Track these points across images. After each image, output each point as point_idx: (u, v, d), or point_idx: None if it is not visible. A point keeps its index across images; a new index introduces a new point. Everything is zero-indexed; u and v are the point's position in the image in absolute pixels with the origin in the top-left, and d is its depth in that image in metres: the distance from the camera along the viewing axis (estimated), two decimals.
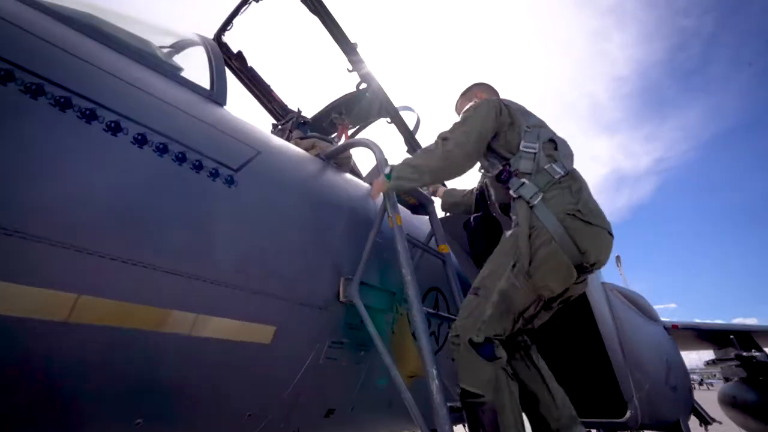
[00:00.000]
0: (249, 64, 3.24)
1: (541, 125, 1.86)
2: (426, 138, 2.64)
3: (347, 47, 2.82)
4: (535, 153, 1.72)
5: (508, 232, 1.73)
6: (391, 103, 3.11)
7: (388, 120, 3.23)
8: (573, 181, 1.69)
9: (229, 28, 3.19)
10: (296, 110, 3.23)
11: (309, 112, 3.58)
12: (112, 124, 1.11)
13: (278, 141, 1.86)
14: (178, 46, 1.99)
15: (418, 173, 1.75)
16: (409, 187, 1.81)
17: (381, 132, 3.73)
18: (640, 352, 3.29)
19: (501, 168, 1.78)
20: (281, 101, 3.38)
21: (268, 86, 3.33)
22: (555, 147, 1.80)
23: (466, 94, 2.42)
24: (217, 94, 1.69)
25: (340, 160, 2.22)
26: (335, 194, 1.94)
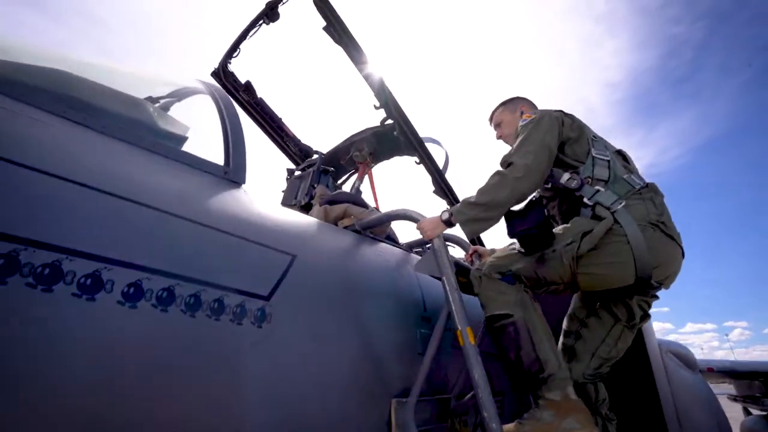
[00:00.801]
0: (259, 96, 2.83)
1: (602, 138, 1.80)
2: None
3: (373, 81, 2.46)
4: (609, 161, 1.66)
5: (577, 219, 1.63)
6: (422, 143, 2.73)
7: (417, 160, 2.85)
8: (655, 193, 1.63)
9: (235, 54, 2.78)
10: (317, 154, 2.84)
11: (325, 148, 3.20)
12: (86, 281, 0.71)
13: (312, 227, 1.45)
14: (177, 96, 1.57)
15: (489, 211, 1.51)
16: (479, 230, 1.55)
17: (402, 166, 3.36)
18: (693, 416, 2.98)
19: (569, 176, 1.65)
20: (296, 139, 2.98)
21: (281, 121, 2.92)
22: (625, 159, 1.78)
23: (509, 106, 2.12)
24: (233, 171, 1.29)
25: (378, 230, 1.84)
26: (383, 288, 1.56)
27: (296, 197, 2.29)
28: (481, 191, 1.54)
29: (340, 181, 3.20)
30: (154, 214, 0.89)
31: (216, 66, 2.67)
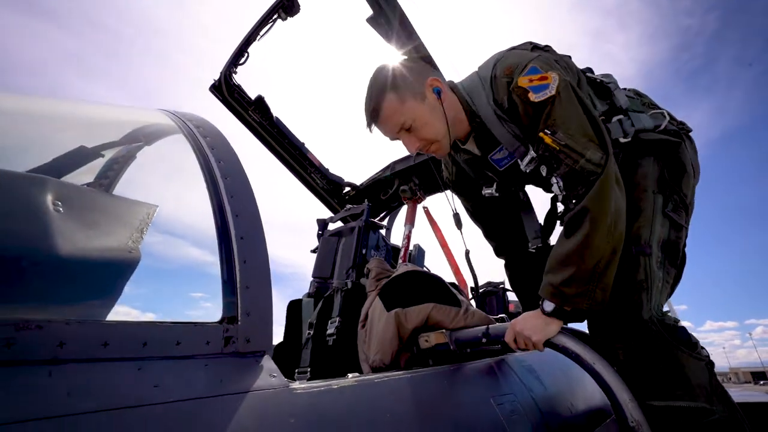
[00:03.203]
0: (274, 115, 2.10)
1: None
2: None
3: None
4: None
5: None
6: None
7: None
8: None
9: (243, 60, 2.08)
10: (348, 187, 2.12)
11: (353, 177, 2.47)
12: None
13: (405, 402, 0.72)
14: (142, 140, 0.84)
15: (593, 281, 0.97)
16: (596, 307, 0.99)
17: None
18: None
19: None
20: (324, 168, 2.24)
21: (303, 146, 2.18)
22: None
23: (399, 93, 1.15)
24: (245, 327, 0.56)
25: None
26: None
27: (334, 270, 1.55)
28: (566, 253, 1.00)
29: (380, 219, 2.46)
30: None
31: (216, 77, 1.96)
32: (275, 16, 2.05)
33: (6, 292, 0.51)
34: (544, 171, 1.12)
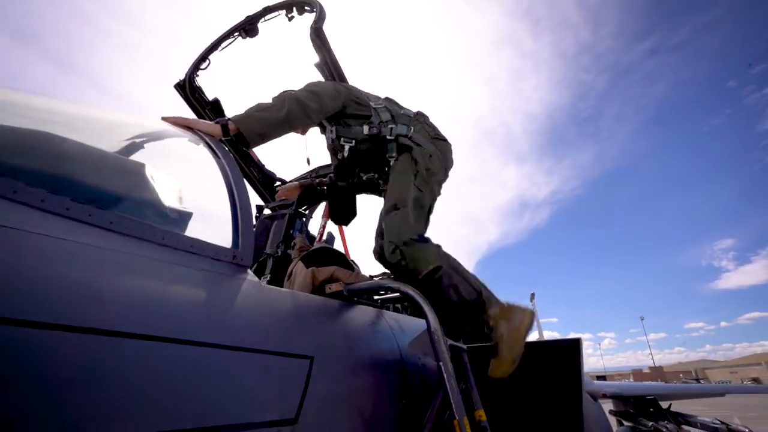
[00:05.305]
0: (226, 116, 2.56)
1: (372, 93, 2.19)
2: None
3: None
4: (386, 106, 2.08)
5: (392, 162, 2.02)
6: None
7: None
8: (425, 116, 2.14)
9: (204, 66, 2.49)
10: (279, 181, 2.65)
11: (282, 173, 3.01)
12: None
13: (321, 312, 1.36)
14: (164, 139, 1.35)
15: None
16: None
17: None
18: None
19: (368, 127, 2.01)
20: (261, 164, 2.75)
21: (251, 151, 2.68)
22: (394, 101, 2.19)
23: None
24: (242, 253, 1.14)
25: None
26: (381, 364, 1.52)
27: (266, 244, 2.11)
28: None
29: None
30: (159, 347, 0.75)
31: (182, 77, 2.36)
32: (237, 34, 2.53)
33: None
34: None
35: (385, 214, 1.84)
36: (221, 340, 0.88)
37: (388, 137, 2.02)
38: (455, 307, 1.69)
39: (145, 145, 1.27)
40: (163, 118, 1.33)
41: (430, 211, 2.00)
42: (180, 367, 0.77)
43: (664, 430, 5.03)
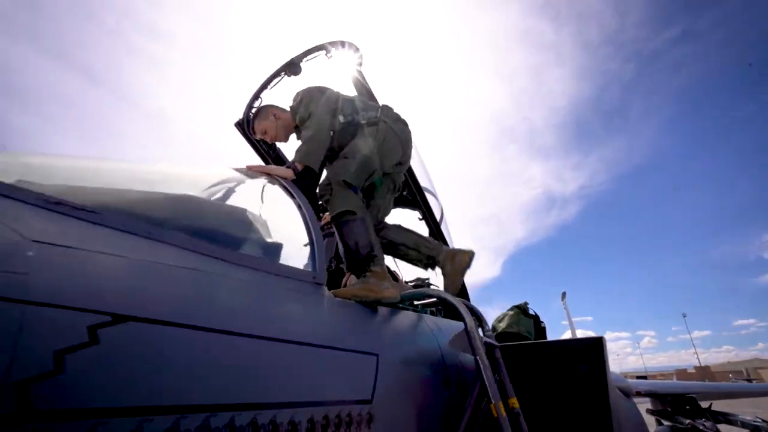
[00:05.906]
0: (277, 147, 2.94)
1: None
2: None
3: None
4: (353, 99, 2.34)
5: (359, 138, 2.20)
6: (426, 199, 3.01)
7: (420, 216, 3.13)
8: (389, 109, 2.34)
9: (257, 104, 2.87)
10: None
11: None
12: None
13: (382, 321, 1.67)
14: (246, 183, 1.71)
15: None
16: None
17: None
18: None
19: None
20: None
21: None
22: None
23: (261, 116, 2.47)
24: (319, 274, 1.46)
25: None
26: (430, 361, 1.81)
27: None
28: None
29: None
30: (270, 346, 1.07)
31: (240, 116, 2.75)
32: (282, 74, 2.89)
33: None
34: None
35: (335, 160, 2.09)
36: (313, 341, 1.19)
37: (362, 121, 2.27)
38: (347, 252, 1.90)
39: (236, 189, 1.62)
40: (248, 167, 1.68)
41: (373, 180, 2.21)
42: (286, 358, 1.09)
43: (701, 427, 5.02)
